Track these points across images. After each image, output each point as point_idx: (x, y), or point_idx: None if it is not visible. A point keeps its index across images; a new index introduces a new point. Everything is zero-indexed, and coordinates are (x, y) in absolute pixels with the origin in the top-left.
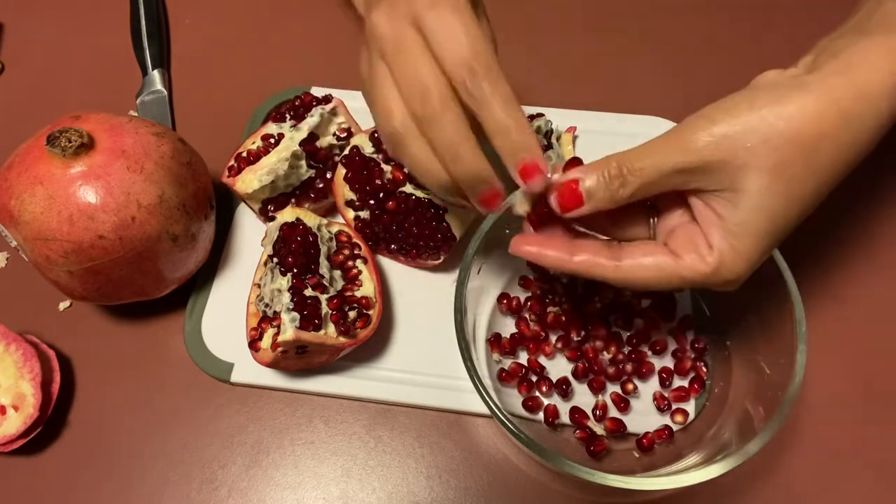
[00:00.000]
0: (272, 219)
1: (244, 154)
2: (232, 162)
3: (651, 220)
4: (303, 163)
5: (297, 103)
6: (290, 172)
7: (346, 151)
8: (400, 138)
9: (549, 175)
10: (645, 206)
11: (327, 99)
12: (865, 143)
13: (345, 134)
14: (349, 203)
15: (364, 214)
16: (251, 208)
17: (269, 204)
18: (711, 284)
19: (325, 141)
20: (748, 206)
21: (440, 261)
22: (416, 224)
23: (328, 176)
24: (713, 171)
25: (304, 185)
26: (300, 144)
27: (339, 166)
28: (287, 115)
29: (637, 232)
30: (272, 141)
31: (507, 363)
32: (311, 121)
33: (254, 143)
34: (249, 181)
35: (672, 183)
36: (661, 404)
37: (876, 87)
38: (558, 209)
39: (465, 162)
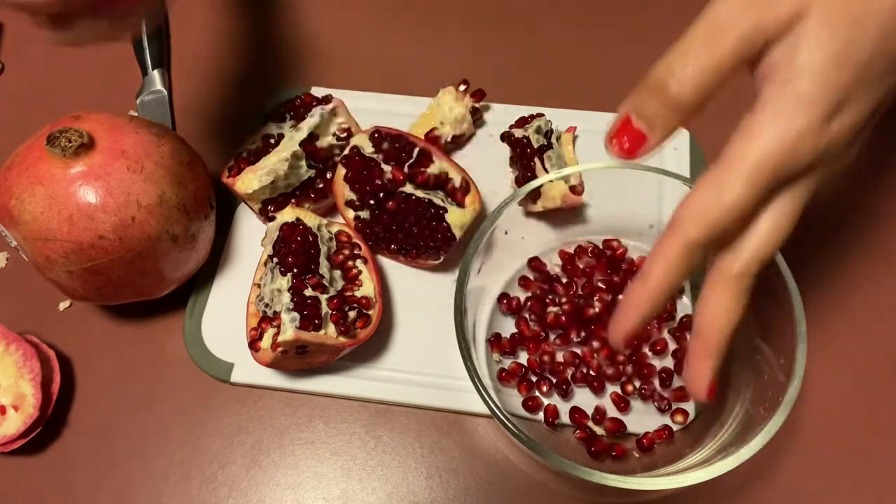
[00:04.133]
0: (272, 219)
1: (244, 154)
2: (232, 162)
3: None
4: (303, 163)
5: (297, 103)
6: (290, 172)
7: (346, 151)
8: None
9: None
10: None
11: (327, 99)
12: None
13: (345, 134)
14: (349, 203)
15: (364, 214)
16: (251, 208)
17: (269, 204)
18: (785, 157)
19: (325, 141)
20: (807, 47)
21: (440, 261)
22: (416, 224)
23: (328, 176)
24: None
25: (304, 185)
26: (300, 144)
27: (339, 166)
28: (287, 115)
29: None
30: (272, 141)
31: (507, 363)
32: (311, 121)
33: (254, 143)
34: (249, 181)
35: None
36: (661, 404)
37: None
38: (625, 155)
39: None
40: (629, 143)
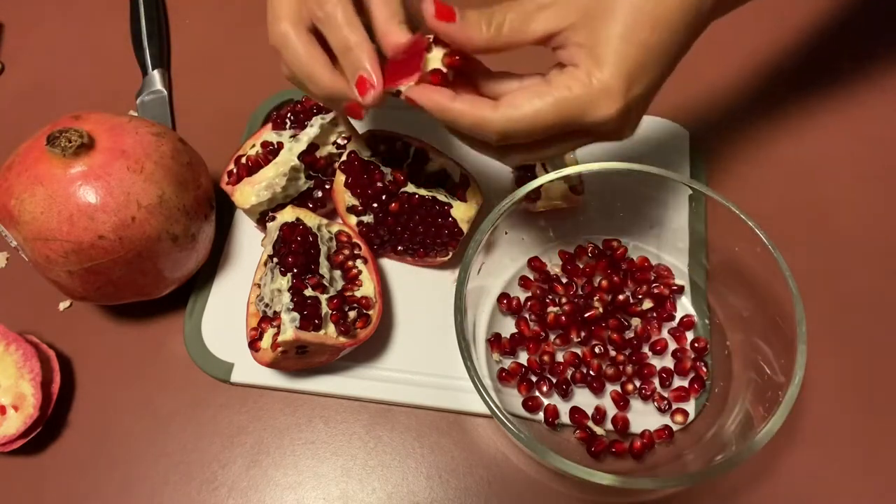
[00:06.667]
0: (272, 219)
1: (243, 160)
2: (231, 167)
3: None
4: (301, 175)
5: (297, 108)
6: (289, 185)
7: (344, 157)
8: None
9: (379, 88)
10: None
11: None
12: None
13: (345, 143)
14: (351, 209)
15: (367, 219)
16: (250, 218)
17: (266, 214)
18: (588, 113)
19: (325, 150)
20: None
21: (449, 257)
22: (422, 223)
23: (326, 186)
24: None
25: (303, 196)
26: (299, 157)
27: (339, 173)
28: (287, 122)
29: None
30: (271, 149)
31: (507, 363)
32: (310, 131)
33: (253, 146)
34: (247, 196)
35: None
36: (661, 404)
37: None
38: (433, 12)
39: (322, 83)
40: (441, 13)
